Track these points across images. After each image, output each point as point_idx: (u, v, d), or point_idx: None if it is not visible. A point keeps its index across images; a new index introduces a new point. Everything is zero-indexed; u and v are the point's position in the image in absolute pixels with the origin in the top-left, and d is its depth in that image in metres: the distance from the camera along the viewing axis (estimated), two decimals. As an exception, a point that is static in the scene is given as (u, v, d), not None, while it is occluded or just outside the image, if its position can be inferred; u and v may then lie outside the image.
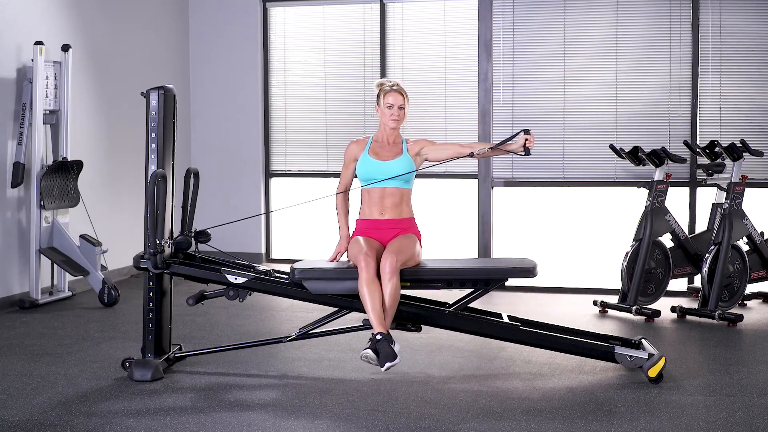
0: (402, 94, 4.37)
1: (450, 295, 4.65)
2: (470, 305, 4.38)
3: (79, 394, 3.98)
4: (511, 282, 4.47)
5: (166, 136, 4.33)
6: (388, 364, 3.82)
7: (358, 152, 4.41)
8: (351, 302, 4.22)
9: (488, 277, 4.25)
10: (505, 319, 4.43)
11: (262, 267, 4.43)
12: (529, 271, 4.24)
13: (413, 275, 4.19)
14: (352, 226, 4.43)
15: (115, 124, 7.10)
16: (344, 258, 4.43)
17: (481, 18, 7.14)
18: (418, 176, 4.62)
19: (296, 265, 4.25)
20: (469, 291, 4.31)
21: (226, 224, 5.03)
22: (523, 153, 4.27)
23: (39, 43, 5.94)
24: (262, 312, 5.93)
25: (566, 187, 7.05)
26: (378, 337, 3.89)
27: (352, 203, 4.53)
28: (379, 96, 4.41)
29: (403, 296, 4.24)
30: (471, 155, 4.34)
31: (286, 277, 4.35)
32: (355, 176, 4.46)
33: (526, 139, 4.23)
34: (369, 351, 3.86)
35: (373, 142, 4.43)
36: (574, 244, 7.05)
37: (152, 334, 4.27)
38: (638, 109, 6.90)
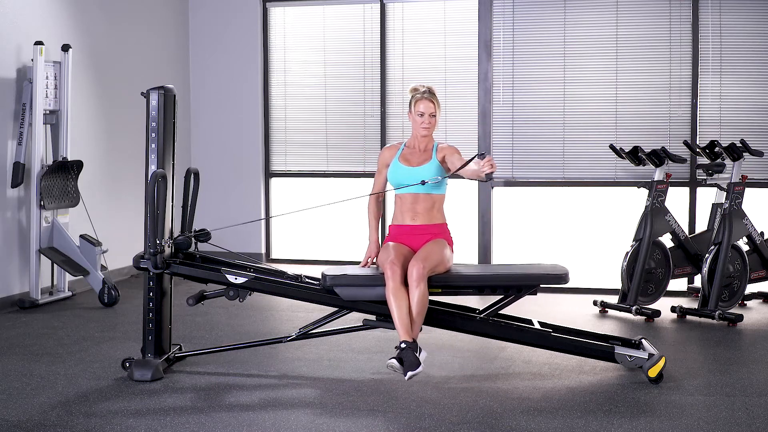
0: (433, 102, 4.33)
1: (467, 300, 4.63)
2: (501, 311, 4.31)
3: (79, 394, 3.98)
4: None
5: (166, 136, 4.33)
6: (410, 373, 3.80)
7: (389, 158, 4.40)
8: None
9: (520, 284, 4.21)
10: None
11: (293, 272, 4.40)
12: (561, 277, 4.20)
13: (443, 281, 4.14)
14: (382, 233, 4.40)
15: (115, 124, 7.10)
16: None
17: (481, 18, 7.14)
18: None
19: (327, 271, 4.20)
20: (499, 297, 4.27)
21: (230, 227, 5.03)
22: (484, 179, 3.99)
23: (39, 43, 5.94)
24: (262, 312, 5.92)
25: (566, 187, 7.04)
26: (403, 345, 3.86)
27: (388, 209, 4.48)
28: (411, 103, 4.37)
29: (432, 302, 4.18)
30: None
31: (317, 282, 4.33)
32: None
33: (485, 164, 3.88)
34: (394, 361, 3.83)
35: (405, 148, 4.42)
36: (574, 244, 7.05)
37: (152, 334, 4.27)
38: (638, 109, 6.89)
